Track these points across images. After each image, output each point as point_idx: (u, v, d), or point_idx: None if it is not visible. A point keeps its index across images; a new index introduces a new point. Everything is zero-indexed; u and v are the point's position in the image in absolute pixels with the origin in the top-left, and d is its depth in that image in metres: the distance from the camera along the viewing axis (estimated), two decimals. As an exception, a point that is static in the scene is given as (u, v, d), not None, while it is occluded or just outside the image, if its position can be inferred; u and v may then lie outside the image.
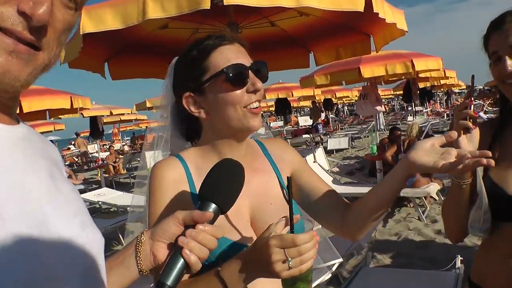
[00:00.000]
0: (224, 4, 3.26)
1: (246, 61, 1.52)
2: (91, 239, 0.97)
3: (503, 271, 1.83)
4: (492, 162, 1.31)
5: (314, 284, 3.11)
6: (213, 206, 1.22)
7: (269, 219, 1.50)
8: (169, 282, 1.11)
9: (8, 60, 0.81)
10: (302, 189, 1.75)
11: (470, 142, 1.77)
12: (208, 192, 1.24)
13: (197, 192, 1.39)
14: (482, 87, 28.67)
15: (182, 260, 1.14)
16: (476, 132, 1.79)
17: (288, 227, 1.28)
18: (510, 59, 1.74)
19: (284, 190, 1.69)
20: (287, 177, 1.33)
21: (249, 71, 1.51)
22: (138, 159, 21.40)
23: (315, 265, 2.91)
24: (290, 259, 1.18)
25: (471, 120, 1.78)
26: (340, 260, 3.02)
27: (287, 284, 1.49)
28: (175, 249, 1.17)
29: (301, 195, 1.75)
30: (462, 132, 1.77)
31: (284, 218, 1.28)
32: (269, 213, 1.59)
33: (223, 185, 1.26)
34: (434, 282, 4.30)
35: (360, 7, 3.71)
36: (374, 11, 3.86)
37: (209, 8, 3.26)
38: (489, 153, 1.32)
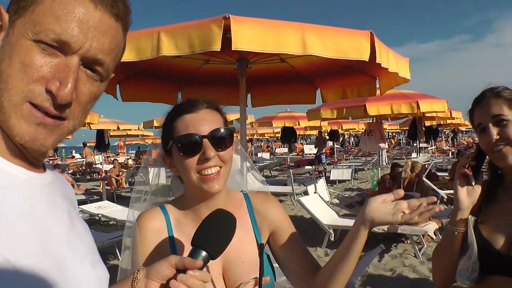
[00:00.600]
0: (232, 49, 3.46)
1: (207, 128, 1.61)
2: (99, 276, 1.07)
3: None
4: (441, 207, 1.50)
5: None
6: (204, 253, 1.30)
7: (239, 277, 1.66)
8: None
9: (37, 130, 0.92)
10: (279, 249, 1.83)
11: (469, 197, 2.02)
12: (200, 241, 1.32)
13: (175, 242, 1.63)
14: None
15: None
16: (477, 189, 2.02)
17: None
18: (494, 127, 1.94)
19: (259, 245, 1.75)
20: (259, 244, 1.49)
21: (204, 140, 1.59)
22: (142, 174, 21.41)
23: None
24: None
25: (472, 175, 2.02)
26: None
27: None
28: None
29: (277, 254, 1.84)
30: (462, 185, 2.02)
31: (253, 279, 1.45)
32: (240, 270, 1.68)
33: (215, 234, 1.34)
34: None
35: (365, 57, 3.90)
36: (377, 61, 4.05)
37: (219, 50, 3.47)
38: (434, 199, 1.50)
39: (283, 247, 1.82)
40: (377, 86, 5.91)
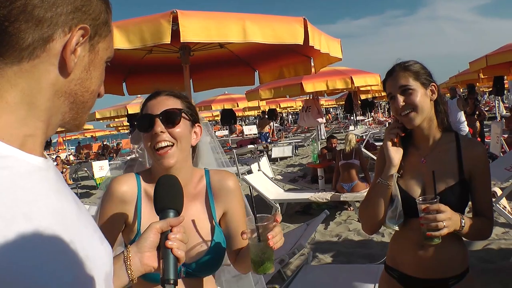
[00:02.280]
0: (181, 41, 3.74)
1: (161, 109, 1.90)
2: (107, 251, 1.11)
3: (413, 255, 2.41)
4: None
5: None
6: (172, 212, 1.51)
7: (193, 246, 1.92)
8: (172, 276, 1.37)
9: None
10: (227, 227, 2.08)
11: (397, 155, 2.43)
12: (165, 203, 1.54)
13: (141, 207, 1.93)
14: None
15: (173, 257, 1.40)
16: (401, 148, 2.45)
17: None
18: (401, 96, 2.36)
19: (214, 221, 2.01)
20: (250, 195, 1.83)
21: (156, 118, 1.88)
22: (85, 169, 21.27)
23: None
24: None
25: (398, 137, 2.44)
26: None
27: (257, 264, 1.76)
28: (164, 252, 1.42)
29: (225, 231, 2.07)
30: (391, 144, 2.43)
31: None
32: (195, 239, 1.94)
33: (171, 193, 1.56)
34: (368, 274, 4.72)
35: (300, 41, 4.26)
36: (310, 45, 4.41)
37: (169, 42, 3.75)
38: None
39: (231, 228, 2.09)
40: (312, 64, 6.23)
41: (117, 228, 1.96)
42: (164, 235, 1.46)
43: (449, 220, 2.17)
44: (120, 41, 3.82)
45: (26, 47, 0.90)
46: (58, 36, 0.93)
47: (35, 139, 0.96)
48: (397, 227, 2.42)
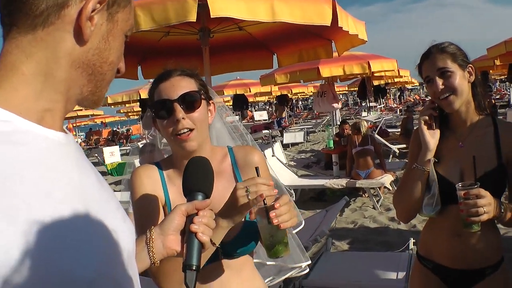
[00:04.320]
0: (211, 16, 3.61)
1: (178, 92, 1.81)
2: (129, 229, 1.10)
3: (448, 245, 2.35)
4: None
5: (284, 277, 3.54)
6: (200, 195, 1.45)
7: None
8: (195, 262, 1.31)
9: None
10: None
11: (433, 138, 2.34)
12: (193, 185, 1.48)
13: (168, 192, 1.88)
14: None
15: (197, 242, 1.34)
16: (437, 131, 2.37)
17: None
18: (439, 79, 2.28)
19: None
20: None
21: (174, 103, 1.80)
22: (96, 154, 21.32)
23: (287, 263, 3.37)
24: (249, 190, 1.58)
25: (433, 119, 2.37)
26: (309, 262, 3.39)
27: (268, 248, 1.68)
28: (189, 236, 1.36)
29: None
30: (426, 127, 2.34)
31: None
32: None
33: (200, 176, 1.50)
34: (390, 262, 4.70)
35: (328, 22, 4.14)
36: (339, 25, 4.30)
37: (195, 20, 3.64)
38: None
39: None
40: (334, 48, 6.13)
41: (158, 214, 1.89)
42: (189, 219, 1.40)
43: (489, 205, 2.10)
44: (144, 21, 3.71)
45: (39, 14, 0.89)
46: (73, 2, 0.91)
47: (54, 113, 0.95)
48: (434, 214, 2.35)
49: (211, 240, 1.45)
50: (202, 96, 1.89)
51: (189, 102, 1.83)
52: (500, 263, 2.37)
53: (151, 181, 1.91)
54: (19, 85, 0.89)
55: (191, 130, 1.83)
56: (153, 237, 1.43)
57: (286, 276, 3.46)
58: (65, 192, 0.87)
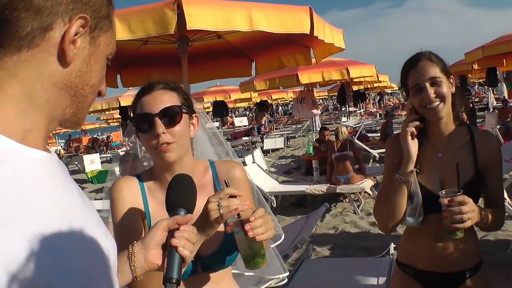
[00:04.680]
0: (187, 29, 3.63)
1: (159, 107, 1.82)
2: (111, 245, 1.10)
3: (430, 250, 2.38)
4: None
5: (263, 287, 3.58)
6: (182, 211, 1.48)
7: (206, 240, 1.86)
8: (175, 275, 1.33)
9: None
10: None
11: (414, 147, 2.35)
12: (176, 201, 1.51)
13: (148, 205, 1.89)
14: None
15: (178, 256, 1.36)
16: (416, 142, 2.37)
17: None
18: (431, 87, 2.28)
19: None
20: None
21: (155, 118, 1.81)
22: (76, 162, 21.12)
23: (266, 274, 3.42)
24: (220, 204, 1.61)
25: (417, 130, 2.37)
26: (287, 274, 3.43)
27: (246, 260, 1.71)
28: (169, 250, 1.38)
29: None
30: (410, 138, 2.34)
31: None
32: None
33: (183, 192, 1.54)
34: (370, 267, 4.74)
35: (306, 30, 4.18)
36: (315, 34, 4.33)
37: (173, 33, 3.67)
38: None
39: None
40: (312, 55, 6.16)
41: (139, 227, 1.90)
42: (171, 233, 1.43)
43: (473, 212, 2.14)
44: (122, 31, 3.70)
45: (25, 36, 0.91)
46: (57, 25, 0.94)
47: (36, 133, 0.96)
48: (417, 225, 2.37)
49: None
50: (184, 110, 1.90)
51: (170, 116, 1.84)
52: (479, 265, 2.43)
53: (131, 194, 1.92)
54: (3, 105, 0.90)
55: (171, 142, 1.84)
56: (135, 251, 1.44)
57: (265, 286, 3.49)
58: (48, 208, 0.88)
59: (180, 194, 1.54)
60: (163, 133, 1.81)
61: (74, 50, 0.96)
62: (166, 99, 1.87)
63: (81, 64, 1.00)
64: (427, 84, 2.29)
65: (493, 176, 2.40)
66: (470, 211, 2.12)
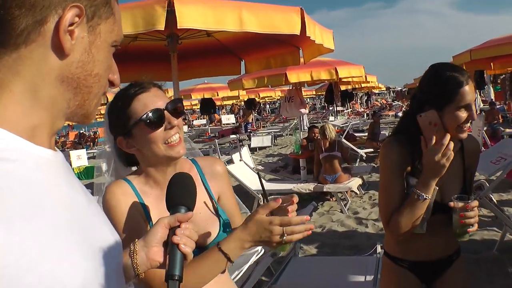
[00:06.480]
0: (178, 27, 3.64)
1: (162, 102, 1.85)
2: (117, 241, 1.13)
3: (425, 242, 2.51)
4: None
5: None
6: (183, 208, 1.49)
7: (199, 226, 1.89)
8: (177, 272, 1.33)
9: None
10: (222, 206, 2.13)
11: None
12: (176, 199, 1.52)
13: (145, 205, 1.89)
14: (401, 88, 30.10)
15: (179, 253, 1.36)
16: None
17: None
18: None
19: (213, 200, 2.06)
20: (257, 173, 1.81)
21: (164, 112, 1.84)
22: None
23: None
24: (285, 234, 1.65)
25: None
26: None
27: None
28: (171, 247, 1.39)
29: None
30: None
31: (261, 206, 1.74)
32: (198, 220, 1.92)
33: (184, 190, 1.55)
34: (357, 266, 4.75)
35: (297, 31, 4.20)
36: (307, 35, 4.36)
37: (163, 29, 3.66)
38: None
39: (225, 206, 2.12)
40: (301, 55, 6.19)
41: (143, 227, 1.89)
42: (172, 231, 1.43)
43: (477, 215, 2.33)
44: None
45: (20, 33, 0.91)
46: (52, 18, 0.94)
47: (42, 130, 0.97)
48: (424, 231, 2.46)
49: (229, 258, 1.69)
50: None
51: (175, 108, 1.88)
52: (459, 248, 2.70)
53: (126, 197, 1.91)
54: (8, 103, 0.92)
55: (179, 136, 1.89)
56: (136, 249, 1.45)
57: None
58: (54, 205, 0.90)
59: (180, 192, 1.55)
60: (176, 124, 1.86)
61: (71, 40, 0.96)
62: (162, 95, 1.92)
63: (81, 54, 1.00)
64: (472, 105, 2.34)
65: (471, 177, 2.60)
66: (477, 214, 2.31)
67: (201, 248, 1.87)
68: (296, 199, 1.77)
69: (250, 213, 2.10)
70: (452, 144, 2.25)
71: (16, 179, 0.84)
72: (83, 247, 0.93)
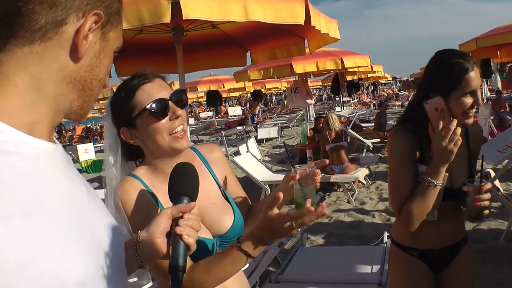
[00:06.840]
0: (183, 19, 3.65)
1: (166, 93, 1.82)
2: (118, 237, 1.14)
3: (434, 230, 2.52)
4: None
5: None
6: (186, 199, 1.48)
7: (215, 216, 1.94)
8: (181, 263, 1.33)
9: None
10: (227, 189, 2.14)
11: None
12: (178, 189, 1.51)
13: (157, 198, 1.87)
14: (407, 78, 29.94)
15: (183, 244, 1.35)
16: None
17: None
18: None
19: (221, 189, 2.05)
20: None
21: (169, 102, 1.81)
22: (70, 152, 21.01)
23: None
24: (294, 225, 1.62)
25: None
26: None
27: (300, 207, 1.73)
28: (174, 238, 1.38)
29: None
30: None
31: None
32: (214, 210, 1.95)
33: (186, 180, 1.53)
34: (364, 256, 4.79)
35: (301, 21, 4.20)
36: (312, 25, 4.35)
37: (169, 21, 3.65)
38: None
39: (228, 188, 2.14)
40: (306, 45, 6.17)
41: None
42: (175, 222, 1.43)
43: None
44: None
45: (38, 29, 0.92)
46: (71, 20, 0.95)
47: (43, 125, 0.98)
48: (435, 218, 2.46)
49: (250, 255, 1.64)
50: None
51: (180, 99, 1.86)
52: (467, 234, 2.69)
53: (138, 192, 1.88)
54: (11, 96, 0.92)
55: (183, 128, 1.87)
56: (139, 240, 1.44)
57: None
58: (54, 199, 0.90)
59: (182, 182, 1.54)
60: (181, 115, 1.85)
61: (86, 45, 0.98)
62: (166, 85, 1.89)
63: (91, 59, 1.02)
64: (477, 90, 2.34)
65: (475, 162, 2.61)
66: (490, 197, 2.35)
67: (220, 236, 1.90)
68: (326, 161, 1.84)
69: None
70: (459, 130, 2.23)
71: (16, 174, 0.85)
72: (83, 243, 0.94)
